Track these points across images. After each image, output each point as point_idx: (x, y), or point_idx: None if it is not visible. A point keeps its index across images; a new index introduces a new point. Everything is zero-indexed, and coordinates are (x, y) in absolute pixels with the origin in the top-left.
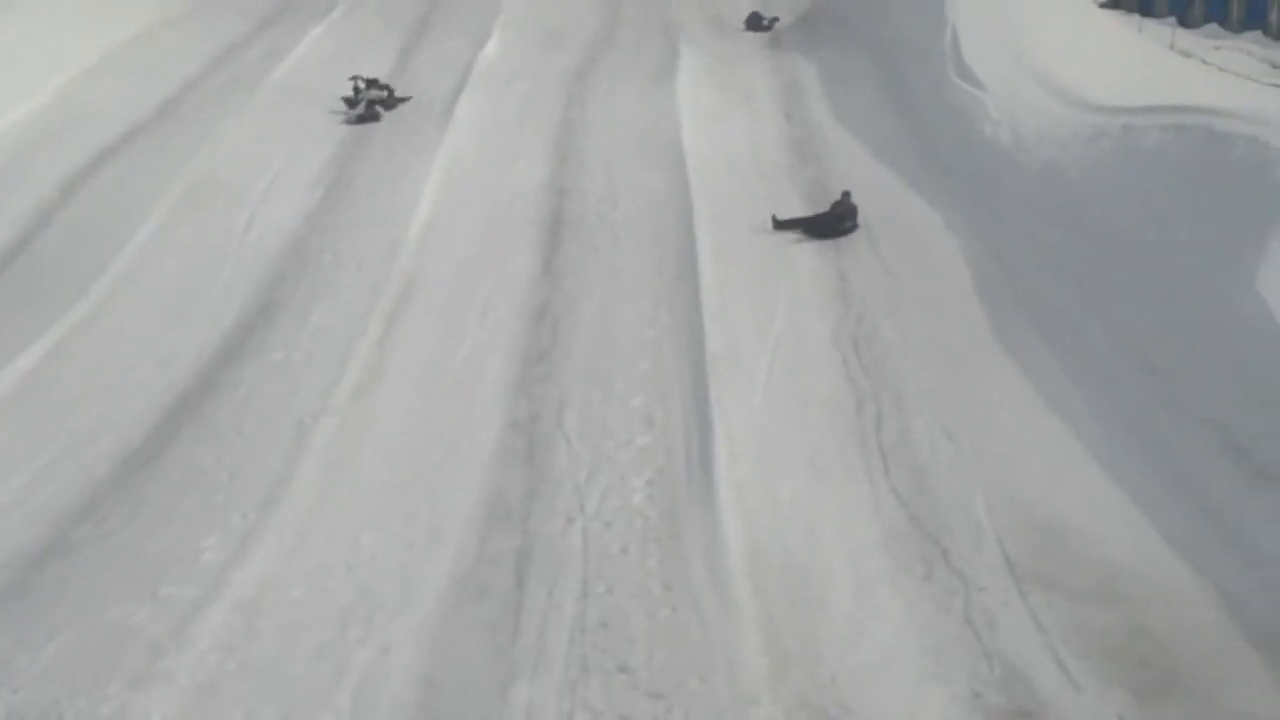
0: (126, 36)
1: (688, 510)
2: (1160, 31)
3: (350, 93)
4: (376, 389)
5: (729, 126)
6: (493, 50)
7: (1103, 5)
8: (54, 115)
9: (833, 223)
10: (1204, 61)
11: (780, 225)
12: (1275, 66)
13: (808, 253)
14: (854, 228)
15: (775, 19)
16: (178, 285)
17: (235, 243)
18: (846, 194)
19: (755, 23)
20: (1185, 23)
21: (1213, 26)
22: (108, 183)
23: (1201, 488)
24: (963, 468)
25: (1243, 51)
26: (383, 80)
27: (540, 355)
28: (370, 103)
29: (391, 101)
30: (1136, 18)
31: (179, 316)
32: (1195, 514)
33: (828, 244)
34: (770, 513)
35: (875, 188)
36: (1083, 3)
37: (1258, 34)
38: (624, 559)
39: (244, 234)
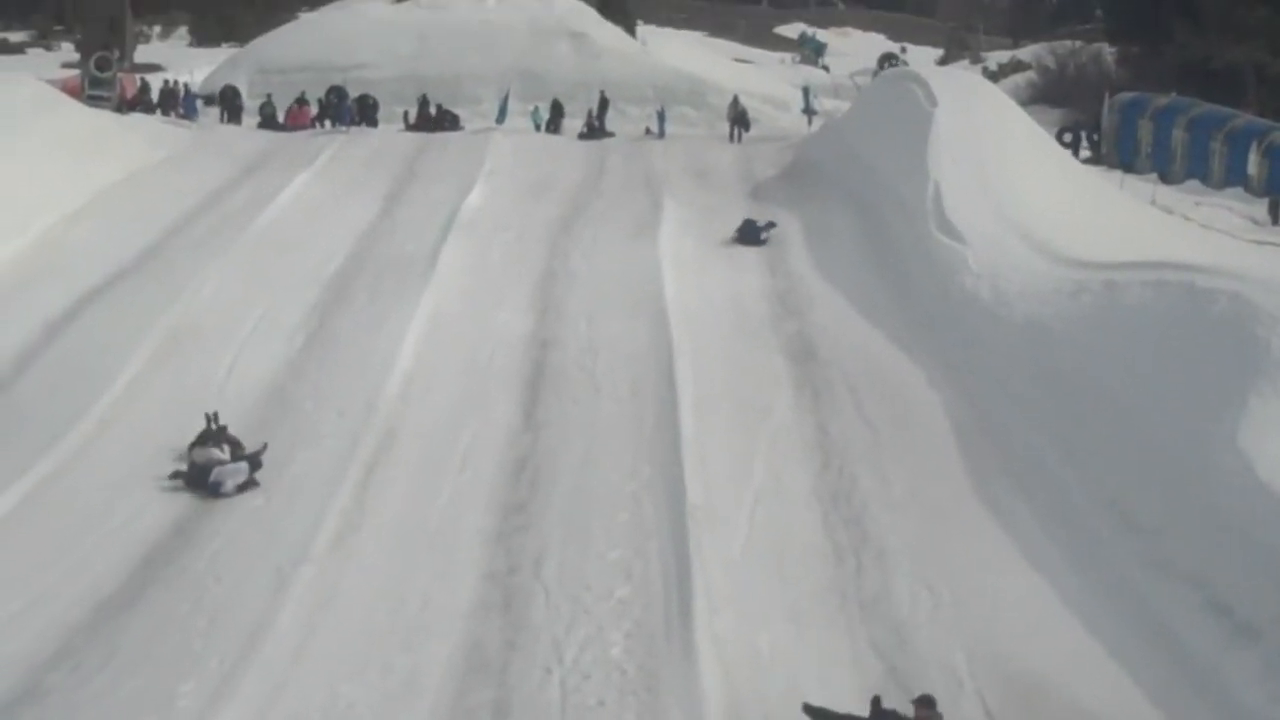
0: (113, 180)
1: (666, 663)
2: (1142, 187)
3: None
4: (356, 538)
5: (711, 278)
6: (476, 199)
7: (1085, 161)
8: (38, 258)
9: None
10: (1185, 218)
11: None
12: (1256, 223)
13: (788, 403)
14: None
15: (772, 224)
16: (156, 430)
17: (215, 388)
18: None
19: (750, 234)
20: (1166, 179)
21: (1194, 183)
22: (89, 326)
23: (1182, 644)
24: (943, 621)
25: (1224, 208)
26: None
27: (519, 507)
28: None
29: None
30: (1118, 174)
31: (155, 463)
32: (1176, 671)
33: (807, 397)
34: (750, 666)
35: (856, 344)
36: (1065, 158)
37: (1238, 190)
38: (602, 712)
39: (225, 380)
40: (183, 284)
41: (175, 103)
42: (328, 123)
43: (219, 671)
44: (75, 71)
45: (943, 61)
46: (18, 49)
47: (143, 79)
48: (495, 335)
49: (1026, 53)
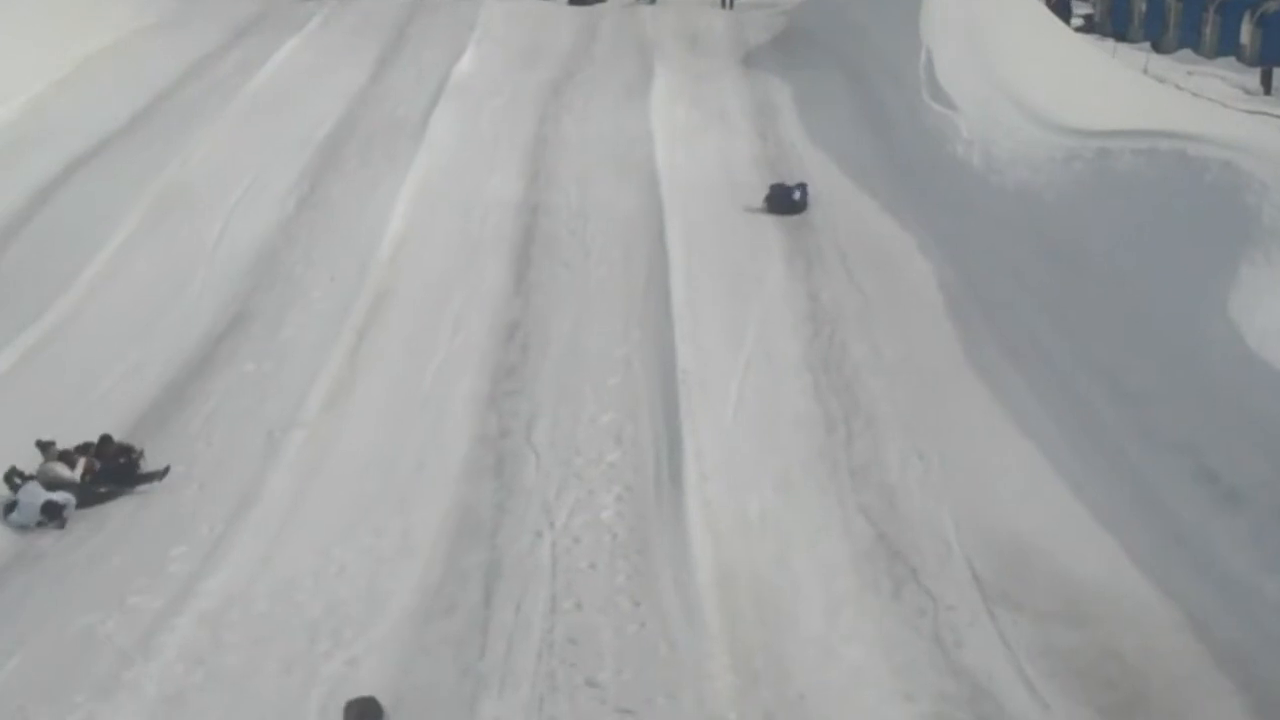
0: (101, 46)
1: (657, 527)
2: (1134, 56)
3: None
4: (347, 402)
5: (703, 144)
6: (467, 64)
7: (1078, 29)
8: (25, 125)
9: None
10: (1177, 87)
11: None
12: (1248, 92)
13: (780, 272)
14: None
15: (804, 185)
16: (148, 296)
17: (206, 253)
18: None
19: (782, 200)
20: (1159, 48)
21: (1186, 52)
22: (78, 193)
23: (1171, 511)
24: (932, 487)
25: (1216, 77)
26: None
27: (511, 371)
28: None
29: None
30: (1111, 42)
31: (148, 327)
32: (1164, 537)
33: (799, 264)
34: (739, 531)
35: (848, 208)
36: (1057, 27)
37: (1230, 60)
38: (592, 575)
39: (216, 245)
40: (173, 149)
41: None
42: None
43: (210, 536)
44: None
45: None
46: None
47: None
48: (486, 200)
49: None
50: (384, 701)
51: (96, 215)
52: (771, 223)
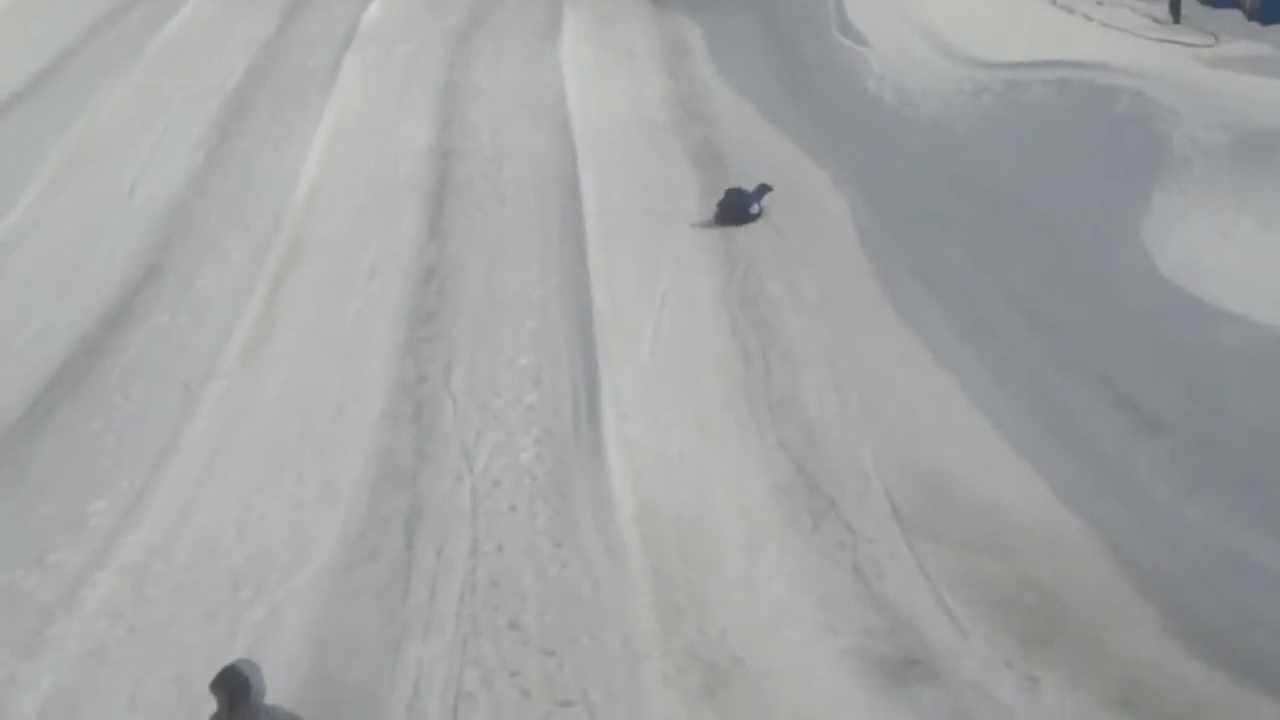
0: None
1: (576, 468)
2: None
3: None
4: (264, 351)
5: (614, 85)
6: (376, 11)
7: None
8: None
9: None
10: (1086, 17)
11: None
12: (1157, 21)
13: (694, 211)
14: None
15: (766, 188)
16: (59, 253)
17: (118, 208)
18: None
19: (736, 210)
20: None
21: None
22: None
23: (1090, 439)
24: (851, 422)
25: (1125, 6)
26: None
27: (427, 316)
28: None
29: None
30: None
31: (61, 284)
32: (1084, 465)
33: (713, 203)
34: (659, 470)
35: (762, 147)
36: None
37: None
38: (513, 517)
39: (127, 199)
40: (80, 106)
41: None
42: None
43: (130, 490)
44: None
45: None
46: None
47: None
48: (399, 147)
49: None
50: (308, 647)
51: (4, 174)
52: (686, 163)
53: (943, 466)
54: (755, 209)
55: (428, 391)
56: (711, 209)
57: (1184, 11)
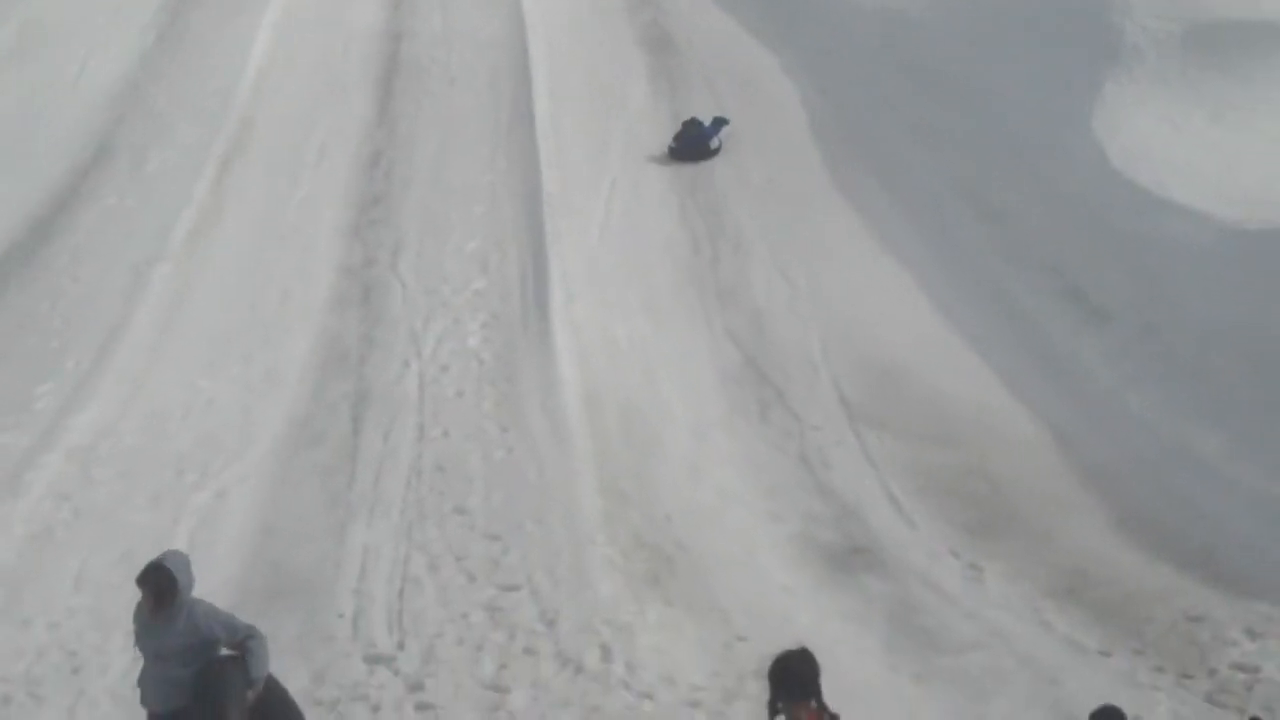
0: None
1: (524, 353)
2: None
3: None
4: (212, 234)
5: None
6: None
7: None
8: None
9: None
10: None
11: None
12: None
13: (644, 94)
14: None
15: (723, 121)
16: (9, 130)
17: (68, 88)
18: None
19: (695, 145)
20: None
21: None
22: None
23: (1037, 329)
24: (799, 310)
25: None
26: None
27: (376, 200)
28: None
29: None
30: None
31: (9, 164)
32: (1031, 355)
33: (664, 87)
34: (607, 355)
35: (712, 32)
36: None
37: None
38: (460, 402)
39: (77, 79)
40: None
41: None
42: None
43: (76, 371)
44: None
45: None
46: None
47: None
48: (348, 29)
49: None
50: (254, 531)
51: None
52: (635, 47)
53: (891, 356)
54: (715, 143)
55: (375, 276)
56: (666, 142)
57: None
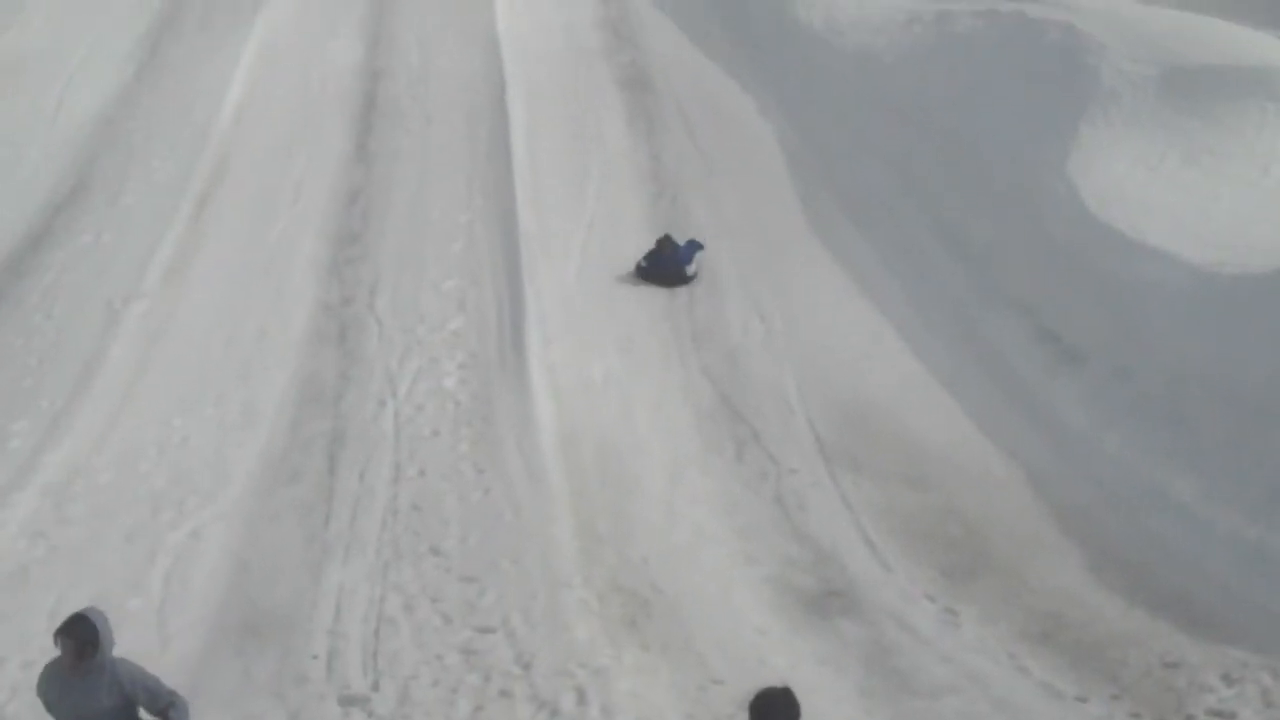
0: None
1: (500, 393)
2: None
3: None
4: (188, 271)
5: (543, 6)
6: None
7: None
8: None
9: None
10: None
11: None
12: None
13: (621, 134)
14: None
15: (697, 245)
16: None
17: (45, 123)
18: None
19: (667, 268)
20: None
21: None
22: None
23: (1011, 370)
24: (775, 349)
25: None
26: None
27: (353, 237)
28: None
29: None
30: None
31: None
32: (1005, 396)
33: (641, 126)
34: (583, 395)
35: (690, 71)
36: None
37: None
38: (436, 442)
39: (54, 114)
40: (9, 18)
41: None
42: None
43: (51, 409)
44: None
45: None
46: None
47: None
48: (327, 65)
49: None
50: (229, 569)
51: None
52: (613, 86)
53: (866, 396)
54: (691, 269)
55: (352, 314)
56: (636, 261)
57: None
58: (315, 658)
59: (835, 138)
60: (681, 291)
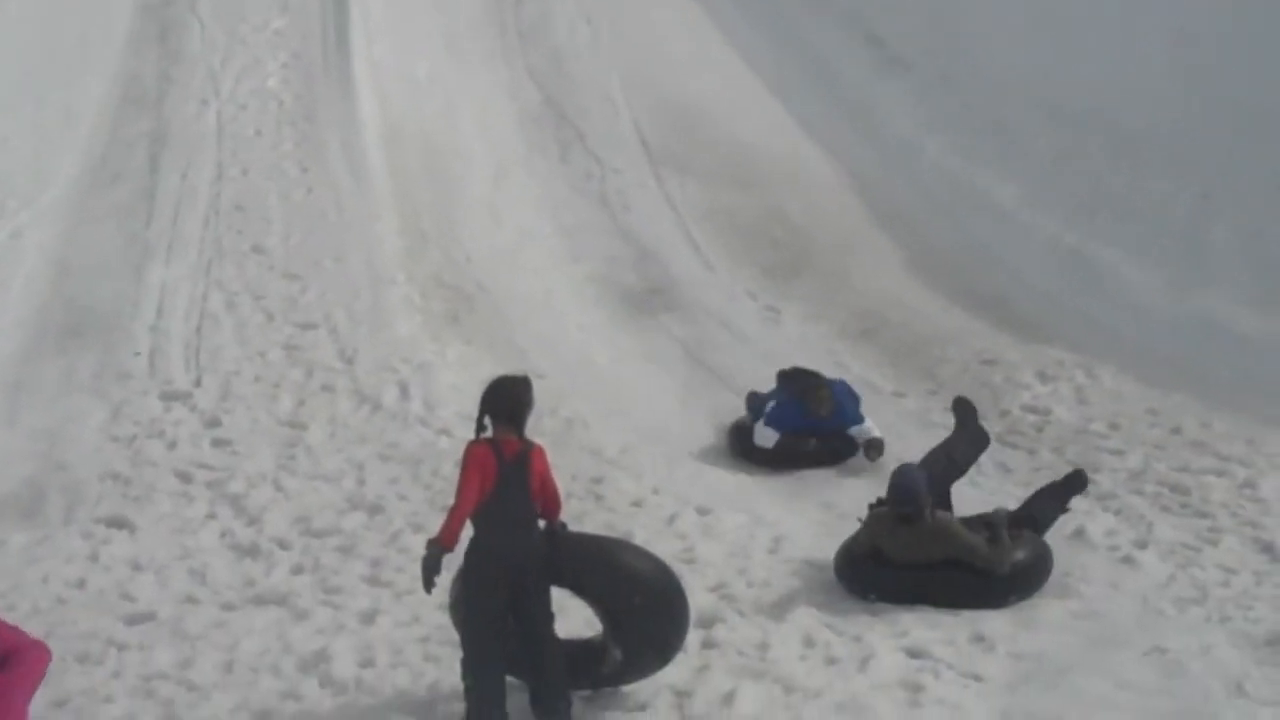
0: None
1: (324, 93)
2: None
3: None
4: None
5: None
6: None
7: None
8: None
9: None
10: None
11: None
12: None
13: None
14: None
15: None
16: None
17: None
18: None
19: (821, 430)
20: None
21: None
22: None
23: (837, 75)
24: (601, 51)
25: None
26: None
27: None
28: None
29: None
30: None
31: None
32: (830, 101)
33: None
34: (408, 94)
35: None
36: None
37: None
38: (259, 141)
39: None
40: None
41: None
42: None
43: None
44: None
45: None
46: None
47: None
48: None
49: None
50: (50, 270)
51: None
52: None
53: (692, 100)
54: (866, 430)
55: (174, 14)
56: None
57: None
58: (137, 355)
59: None
60: None
